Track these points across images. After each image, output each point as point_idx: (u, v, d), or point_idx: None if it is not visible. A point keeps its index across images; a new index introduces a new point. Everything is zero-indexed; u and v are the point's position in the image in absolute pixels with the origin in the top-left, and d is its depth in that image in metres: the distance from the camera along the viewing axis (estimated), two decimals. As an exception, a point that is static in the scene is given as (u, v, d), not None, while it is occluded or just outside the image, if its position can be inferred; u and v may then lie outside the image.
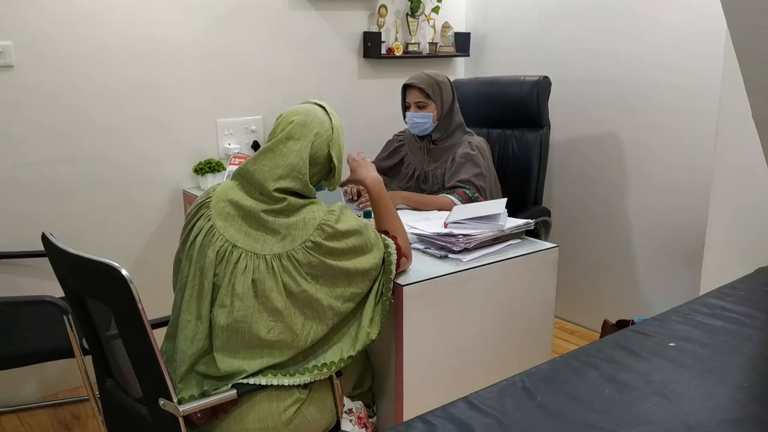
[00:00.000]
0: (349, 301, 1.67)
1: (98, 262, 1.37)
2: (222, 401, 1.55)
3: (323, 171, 1.71)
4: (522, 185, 2.87)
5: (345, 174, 1.89)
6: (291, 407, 1.61)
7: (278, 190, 1.61)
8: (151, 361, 1.41)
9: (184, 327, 1.61)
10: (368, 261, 1.67)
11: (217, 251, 1.60)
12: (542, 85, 2.85)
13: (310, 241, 1.60)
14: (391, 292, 1.74)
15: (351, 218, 1.67)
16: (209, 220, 1.64)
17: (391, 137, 2.87)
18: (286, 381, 1.60)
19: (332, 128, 1.69)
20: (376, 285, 1.73)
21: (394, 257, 1.74)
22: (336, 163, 1.70)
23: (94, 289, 1.49)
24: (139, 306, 1.36)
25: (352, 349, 1.68)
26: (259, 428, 1.59)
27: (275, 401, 1.60)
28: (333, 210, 1.65)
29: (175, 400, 1.44)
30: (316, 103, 1.73)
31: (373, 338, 1.69)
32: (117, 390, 1.63)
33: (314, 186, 1.70)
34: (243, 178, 1.66)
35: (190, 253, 1.65)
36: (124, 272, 1.34)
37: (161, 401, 1.45)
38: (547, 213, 2.86)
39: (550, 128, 2.89)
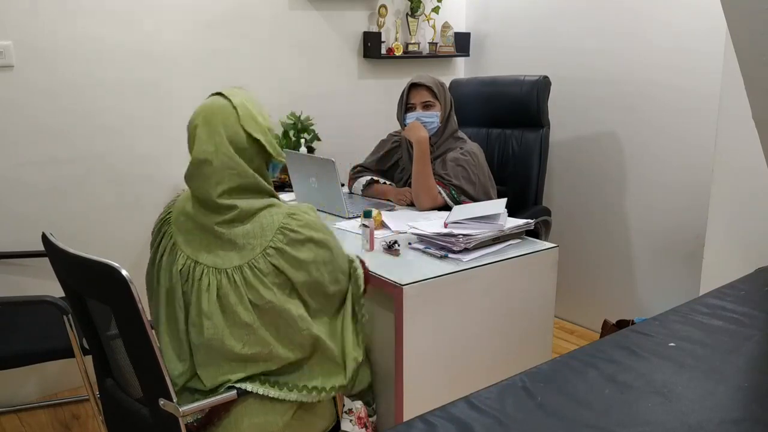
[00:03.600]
0: (319, 313, 1.61)
1: (98, 262, 1.37)
2: (221, 401, 1.55)
3: (258, 152, 1.57)
4: (522, 185, 2.87)
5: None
6: (288, 411, 1.60)
7: (223, 195, 1.51)
8: (150, 361, 1.41)
9: (166, 349, 1.58)
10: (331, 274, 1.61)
11: (180, 269, 1.54)
12: (542, 85, 2.85)
13: (271, 247, 1.52)
14: (363, 308, 1.71)
15: (315, 223, 1.59)
16: (171, 237, 1.58)
17: (385, 137, 2.85)
18: (273, 393, 1.57)
19: (234, 108, 1.55)
20: (349, 305, 1.69)
21: (360, 271, 1.69)
22: (260, 137, 1.55)
23: (94, 289, 1.49)
24: (139, 306, 1.36)
25: (343, 378, 1.64)
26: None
27: (271, 405, 1.58)
28: (294, 213, 1.56)
29: (174, 400, 1.44)
30: (216, 93, 1.62)
31: (360, 360, 1.68)
32: (117, 390, 1.63)
33: (267, 169, 1.61)
34: (193, 195, 1.57)
35: (159, 274, 1.59)
36: (124, 272, 1.34)
37: (161, 401, 1.45)
38: (548, 213, 2.86)
39: (549, 128, 2.89)
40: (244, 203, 1.52)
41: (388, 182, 2.74)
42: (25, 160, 2.56)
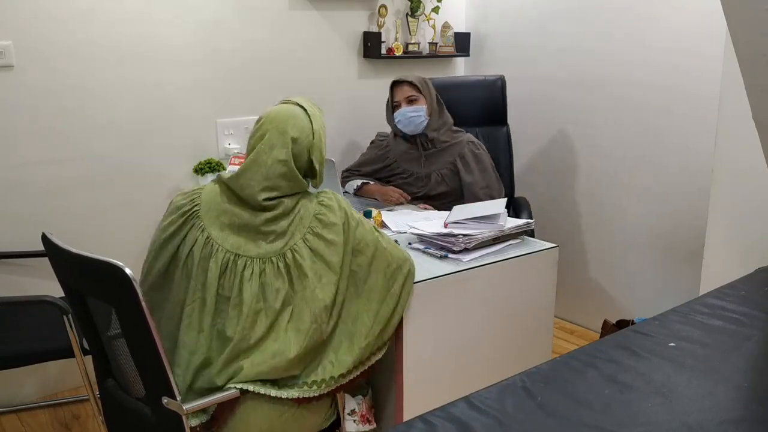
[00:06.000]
0: (348, 302, 1.66)
1: (102, 262, 1.38)
2: (225, 399, 1.55)
3: (306, 172, 1.70)
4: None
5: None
6: (291, 409, 1.61)
7: (268, 199, 1.59)
8: (154, 360, 1.42)
9: (185, 343, 1.58)
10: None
11: (220, 263, 1.57)
12: (502, 84, 3.03)
13: (309, 233, 1.60)
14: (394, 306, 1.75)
15: (343, 208, 1.68)
16: (203, 230, 1.60)
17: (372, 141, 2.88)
18: (274, 392, 1.58)
19: (312, 133, 1.66)
20: (388, 300, 1.72)
21: (408, 271, 1.75)
22: (317, 167, 1.69)
23: (97, 289, 1.49)
24: (143, 305, 1.36)
25: (342, 367, 1.64)
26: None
27: (276, 406, 1.59)
28: (322, 200, 1.66)
29: (178, 398, 1.44)
30: (296, 103, 1.69)
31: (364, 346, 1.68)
32: (118, 390, 1.63)
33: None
34: (230, 189, 1.62)
35: (187, 266, 1.60)
36: (128, 271, 1.35)
37: (164, 400, 1.45)
38: (525, 201, 3.00)
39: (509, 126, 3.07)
40: (286, 203, 1.61)
41: (373, 181, 2.75)
42: (25, 160, 2.56)
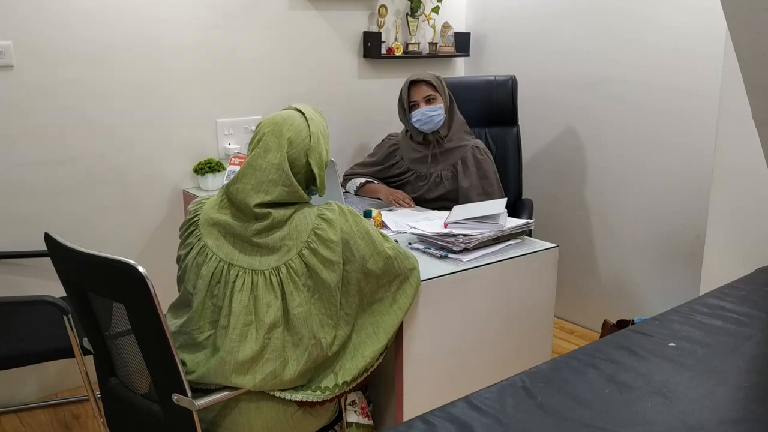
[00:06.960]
0: (348, 315, 1.64)
1: (114, 260, 1.39)
2: (234, 395, 1.55)
3: (307, 178, 1.65)
4: (502, 181, 2.93)
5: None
6: (292, 412, 1.62)
7: (260, 205, 1.56)
8: (166, 357, 1.42)
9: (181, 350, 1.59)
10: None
11: (213, 272, 1.56)
12: (514, 84, 2.99)
13: (306, 248, 1.57)
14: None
15: (345, 223, 1.62)
16: (200, 239, 1.60)
17: (382, 141, 2.87)
18: (278, 393, 1.58)
19: (309, 136, 1.61)
20: (389, 309, 1.71)
21: (416, 279, 1.74)
22: (317, 171, 1.63)
23: (107, 288, 1.49)
24: (156, 302, 1.38)
25: (348, 374, 1.64)
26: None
27: (281, 404, 1.60)
28: (323, 213, 1.61)
29: (189, 394, 1.45)
30: (296, 109, 1.67)
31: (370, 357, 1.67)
32: (123, 388, 1.63)
33: (306, 191, 1.66)
34: (229, 199, 1.61)
35: (185, 273, 1.62)
36: (141, 270, 1.36)
37: (175, 396, 1.45)
38: (530, 204, 2.96)
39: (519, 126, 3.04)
40: (279, 213, 1.57)
41: (377, 181, 2.75)
42: (25, 160, 2.56)
